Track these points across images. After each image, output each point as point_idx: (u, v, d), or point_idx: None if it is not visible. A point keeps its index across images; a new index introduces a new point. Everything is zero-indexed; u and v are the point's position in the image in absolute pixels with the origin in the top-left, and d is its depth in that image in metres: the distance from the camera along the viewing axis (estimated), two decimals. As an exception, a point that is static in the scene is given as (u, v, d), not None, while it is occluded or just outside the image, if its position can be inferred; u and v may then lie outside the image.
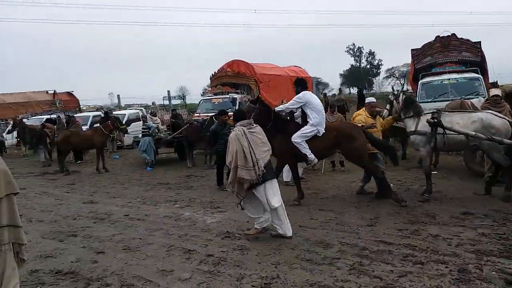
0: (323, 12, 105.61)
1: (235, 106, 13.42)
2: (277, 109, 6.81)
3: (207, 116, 12.87)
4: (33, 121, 18.67)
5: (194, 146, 11.92)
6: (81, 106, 27.46)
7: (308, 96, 6.46)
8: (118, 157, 14.52)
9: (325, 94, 21.24)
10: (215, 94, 15.22)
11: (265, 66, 16.37)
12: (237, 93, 14.58)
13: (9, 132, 18.16)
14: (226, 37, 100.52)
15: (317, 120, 6.26)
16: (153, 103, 34.25)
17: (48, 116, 18.78)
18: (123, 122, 13.74)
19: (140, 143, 11.85)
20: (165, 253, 4.72)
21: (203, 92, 63.28)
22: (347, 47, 64.18)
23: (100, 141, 11.64)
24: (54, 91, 25.95)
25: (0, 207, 3.30)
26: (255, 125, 5.11)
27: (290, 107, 6.62)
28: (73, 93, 27.63)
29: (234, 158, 4.78)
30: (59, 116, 17.97)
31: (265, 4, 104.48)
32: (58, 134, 13.06)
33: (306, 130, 6.29)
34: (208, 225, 5.76)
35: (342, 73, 62.60)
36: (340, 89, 23.29)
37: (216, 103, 14.25)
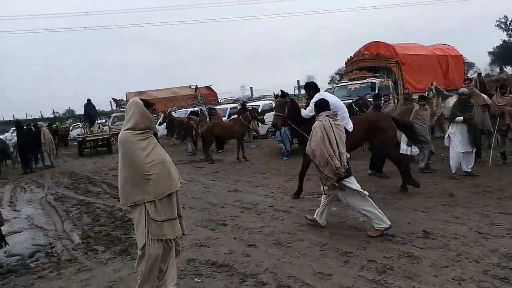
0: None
1: (375, 91, 12.39)
2: None
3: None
4: (179, 113, 20.53)
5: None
6: (218, 99, 29.32)
7: (323, 94, 6.30)
8: (255, 146, 14.88)
9: (479, 74, 18.30)
10: (351, 80, 14.36)
11: (407, 46, 14.79)
12: (376, 77, 13.47)
13: (160, 124, 20.31)
14: (355, 22, 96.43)
15: (340, 115, 6.05)
16: (282, 93, 34.72)
17: (192, 109, 20.42)
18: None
19: (276, 133, 11.83)
20: (319, 252, 4.34)
21: (331, 80, 61.96)
22: (497, 21, 54.98)
23: (240, 131, 12.01)
24: (196, 85, 28.22)
25: (176, 198, 3.38)
26: (338, 117, 4.94)
27: (309, 113, 6.31)
28: (211, 87, 29.67)
29: (326, 148, 4.58)
30: (201, 109, 19.33)
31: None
32: (202, 125, 13.93)
33: None
34: (362, 224, 5.19)
35: (492, 50, 53.93)
36: (501, 68, 19.84)
37: (353, 89, 13.42)
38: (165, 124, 18.44)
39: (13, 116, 42.64)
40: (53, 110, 54.87)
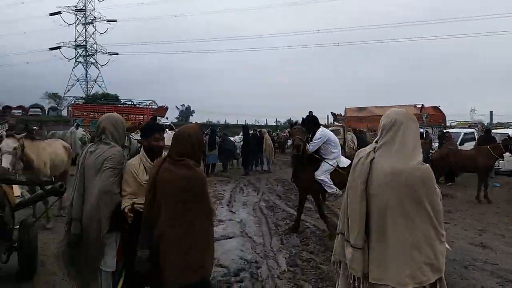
0: None
1: None
2: None
3: None
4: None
5: None
6: (447, 121, 25.63)
7: (326, 132, 6.32)
8: (498, 185, 11.70)
9: None
10: None
11: None
12: None
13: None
14: None
15: (337, 153, 6.23)
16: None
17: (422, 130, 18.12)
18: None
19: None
20: None
21: None
22: None
23: (486, 164, 9.39)
24: (422, 105, 25.49)
25: None
26: None
27: (315, 147, 6.14)
28: (440, 107, 26.24)
29: None
30: (426, 131, 16.93)
31: None
32: (424, 149, 11.80)
33: (327, 166, 6.08)
34: None
35: None
36: None
37: None
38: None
39: (245, 121, 49.06)
40: (276, 119, 60.76)
